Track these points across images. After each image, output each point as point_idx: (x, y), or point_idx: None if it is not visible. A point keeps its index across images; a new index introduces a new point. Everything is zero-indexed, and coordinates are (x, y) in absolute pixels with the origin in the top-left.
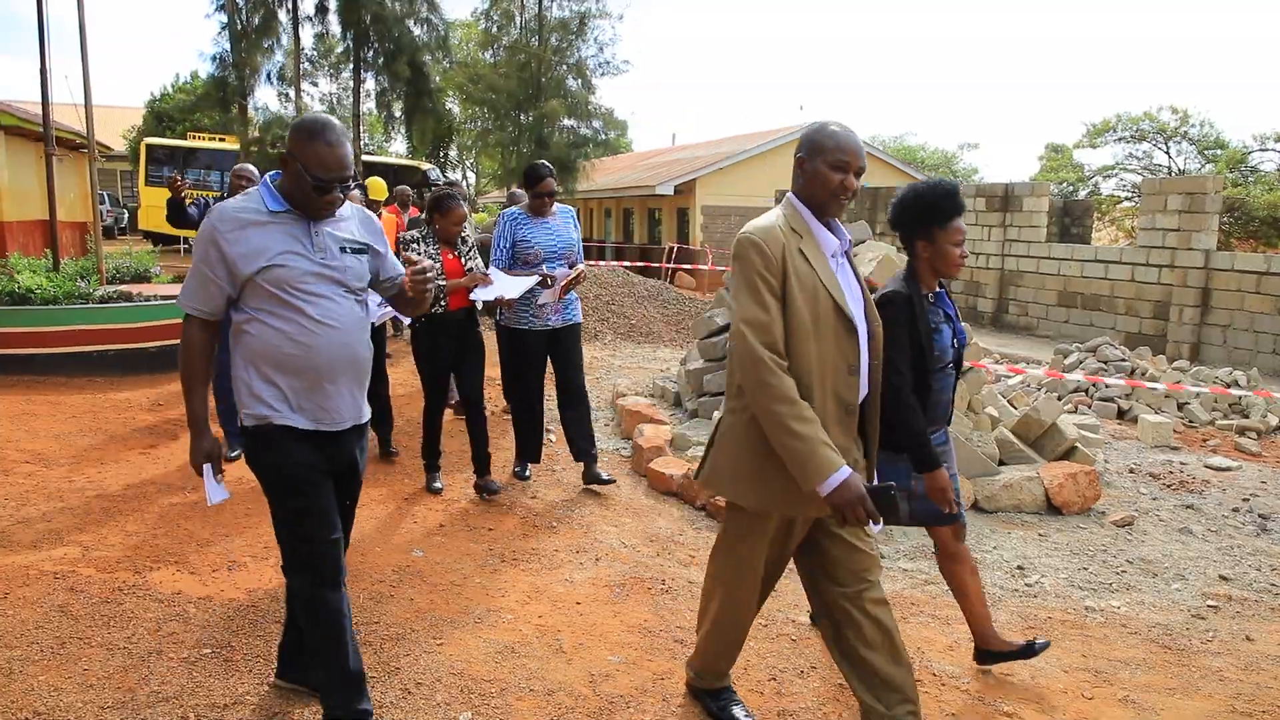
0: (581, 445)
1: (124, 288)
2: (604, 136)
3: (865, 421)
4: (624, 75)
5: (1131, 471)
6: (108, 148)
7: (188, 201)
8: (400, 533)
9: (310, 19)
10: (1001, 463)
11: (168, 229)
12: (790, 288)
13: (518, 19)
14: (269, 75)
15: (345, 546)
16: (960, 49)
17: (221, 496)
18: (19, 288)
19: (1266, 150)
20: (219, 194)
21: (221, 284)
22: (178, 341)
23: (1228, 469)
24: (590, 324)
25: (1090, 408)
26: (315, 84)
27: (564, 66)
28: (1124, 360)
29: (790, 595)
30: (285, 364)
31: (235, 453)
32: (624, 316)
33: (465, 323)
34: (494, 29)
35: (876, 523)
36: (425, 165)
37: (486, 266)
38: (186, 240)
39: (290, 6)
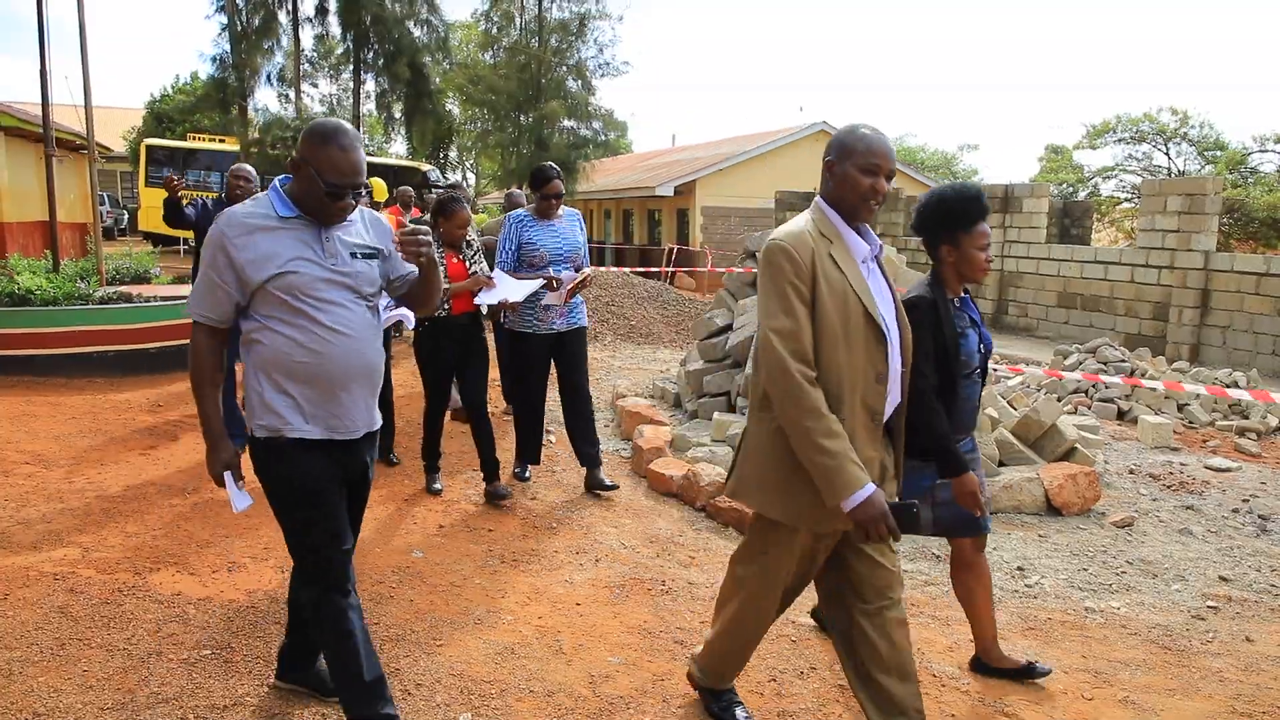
0: (586, 450)
1: (124, 289)
2: (604, 137)
3: (894, 430)
4: (624, 76)
5: (1131, 472)
6: (108, 149)
7: (185, 202)
8: (400, 534)
9: (310, 20)
10: (1001, 464)
11: (168, 230)
12: (820, 294)
13: (517, 20)
14: (269, 76)
15: (351, 550)
16: (960, 49)
17: (246, 503)
18: (19, 289)
19: (1266, 151)
20: (218, 195)
21: (230, 290)
22: (178, 343)
23: (1228, 470)
24: (590, 325)
25: (1090, 409)
26: (315, 85)
27: (564, 68)
28: (1124, 361)
29: None
30: (298, 372)
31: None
32: (624, 317)
33: (469, 327)
34: (494, 30)
35: (897, 539)
36: (425, 166)
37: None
38: (186, 241)
39: (290, 8)
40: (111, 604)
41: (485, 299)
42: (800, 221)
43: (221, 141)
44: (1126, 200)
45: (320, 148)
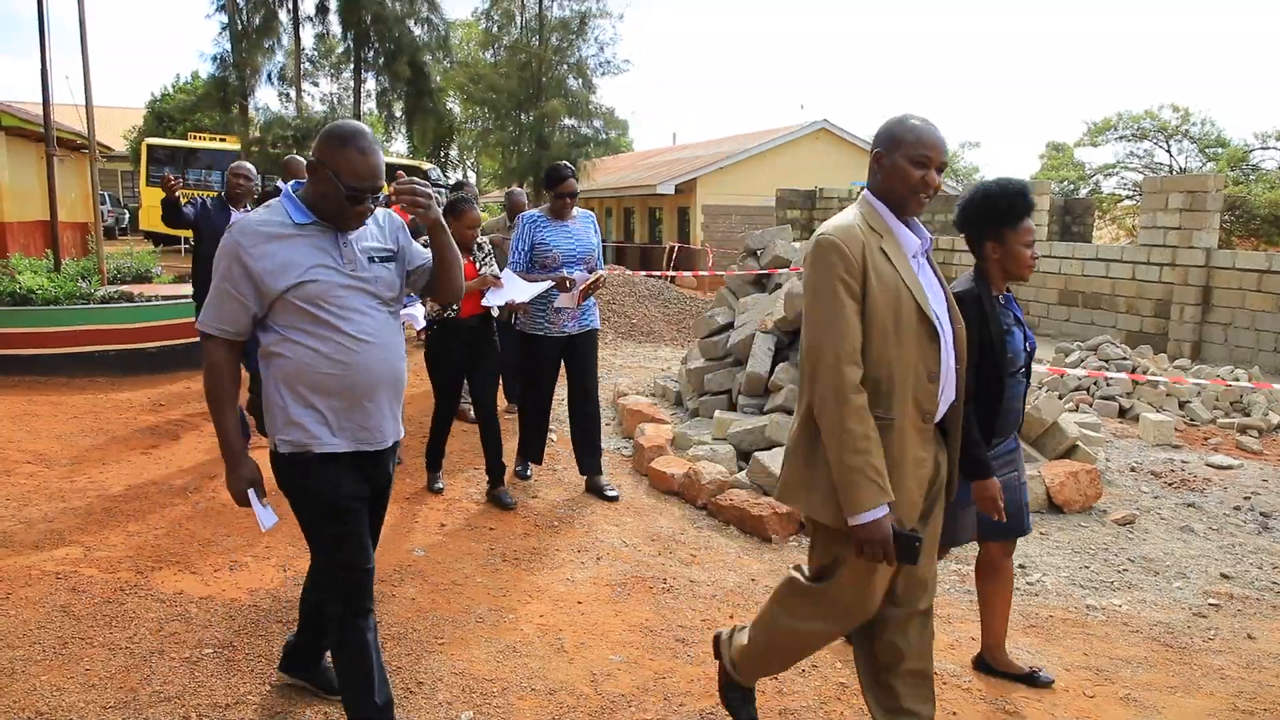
0: (588, 460)
1: (125, 288)
2: (604, 136)
3: (950, 428)
4: (624, 75)
5: (1133, 470)
6: (108, 148)
7: (183, 201)
8: (401, 532)
9: (311, 19)
10: None
11: (169, 229)
12: (870, 289)
13: (518, 18)
14: (269, 75)
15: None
16: (961, 47)
17: (272, 520)
18: (20, 288)
19: (1268, 148)
20: (218, 194)
21: (247, 302)
22: (179, 342)
23: (1229, 467)
24: None
25: (1091, 406)
26: (316, 84)
27: (564, 66)
28: (1125, 359)
29: None
30: (324, 385)
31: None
32: (625, 316)
33: (479, 329)
34: (494, 29)
35: (890, 566)
36: (426, 165)
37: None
38: (187, 240)
39: (291, 7)
40: (113, 603)
41: (493, 300)
42: (849, 215)
43: (222, 141)
44: (1128, 198)
45: (339, 150)
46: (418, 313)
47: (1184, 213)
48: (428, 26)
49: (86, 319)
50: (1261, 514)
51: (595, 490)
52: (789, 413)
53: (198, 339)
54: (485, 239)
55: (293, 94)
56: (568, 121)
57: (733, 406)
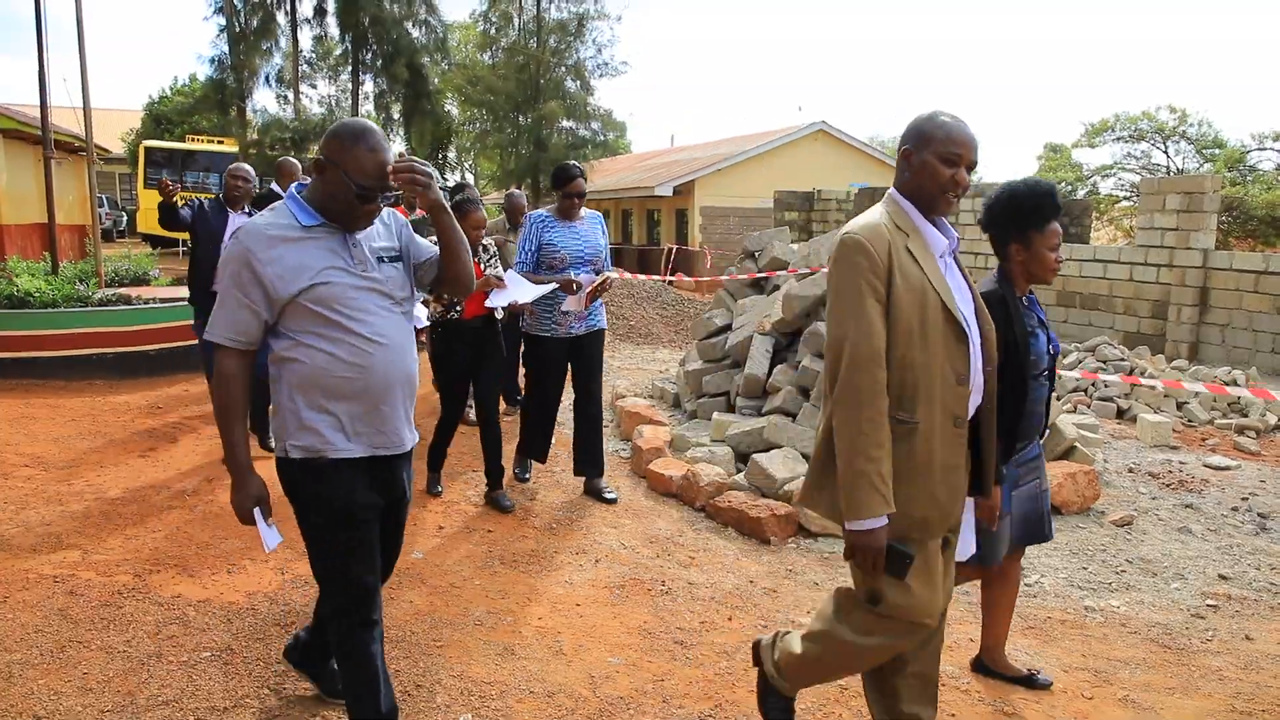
0: (587, 465)
1: (123, 291)
2: (602, 138)
3: (981, 434)
4: (622, 76)
5: (1131, 471)
6: (106, 150)
7: (180, 204)
8: None
9: (309, 21)
10: None
11: (166, 232)
12: (896, 289)
13: (516, 21)
14: (267, 78)
15: (389, 573)
16: (958, 50)
17: (277, 541)
18: (18, 291)
19: (1265, 149)
20: (215, 196)
21: (258, 308)
22: (176, 345)
23: (1227, 468)
24: None
25: (1089, 407)
26: (314, 86)
27: (562, 68)
28: (1123, 360)
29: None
30: (339, 389)
31: None
32: (623, 317)
33: (483, 330)
34: (492, 31)
35: (878, 576)
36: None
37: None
38: (185, 243)
39: (289, 9)
40: (111, 606)
41: (496, 301)
42: (874, 214)
43: (220, 143)
44: (1125, 199)
45: (349, 148)
46: (419, 313)
47: (1181, 214)
48: (426, 28)
49: (84, 322)
50: (1259, 515)
51: (594, 493)
52: (787, 414)
53: (195, 342)
54: (489, 240)
55: (291, 96)
56: (566, 123)
57: (731, 408)
